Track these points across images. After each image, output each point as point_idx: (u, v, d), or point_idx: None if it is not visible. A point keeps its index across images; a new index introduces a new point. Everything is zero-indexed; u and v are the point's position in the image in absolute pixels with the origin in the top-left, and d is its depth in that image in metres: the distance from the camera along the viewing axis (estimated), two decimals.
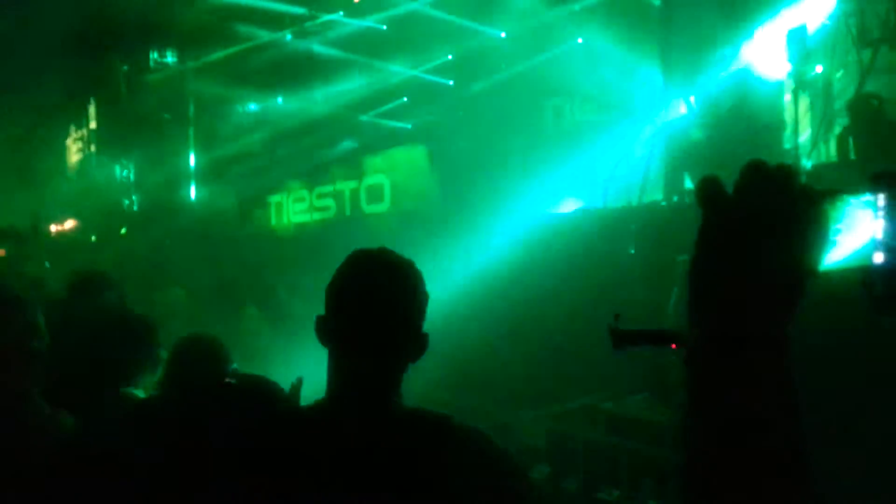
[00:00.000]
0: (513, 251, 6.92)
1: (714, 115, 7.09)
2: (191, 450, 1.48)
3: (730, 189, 0.64)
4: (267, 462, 1.33)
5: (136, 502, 1.53)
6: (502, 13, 11.11)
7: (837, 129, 6.84)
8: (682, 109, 7.39)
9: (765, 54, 7.13)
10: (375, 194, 10.32)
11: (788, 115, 7.08)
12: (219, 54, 12.97)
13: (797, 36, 6.90)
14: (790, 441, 0.61)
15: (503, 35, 11.46)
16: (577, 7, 10.28)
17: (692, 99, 7.33)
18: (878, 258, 0.65)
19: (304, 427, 1.39)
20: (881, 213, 0.65)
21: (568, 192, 8.52)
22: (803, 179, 0.65)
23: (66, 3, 12.87)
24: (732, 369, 0.62)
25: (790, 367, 0.62)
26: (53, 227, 12.52)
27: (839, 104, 7.05)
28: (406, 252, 1.49)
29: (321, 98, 13.30)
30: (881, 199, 0.66)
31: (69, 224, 13.09)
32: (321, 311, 1.46)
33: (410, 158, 9.99)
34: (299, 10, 12.30)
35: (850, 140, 6.34)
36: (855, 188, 0.66)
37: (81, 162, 15.49)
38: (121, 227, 12.95)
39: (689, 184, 7.11)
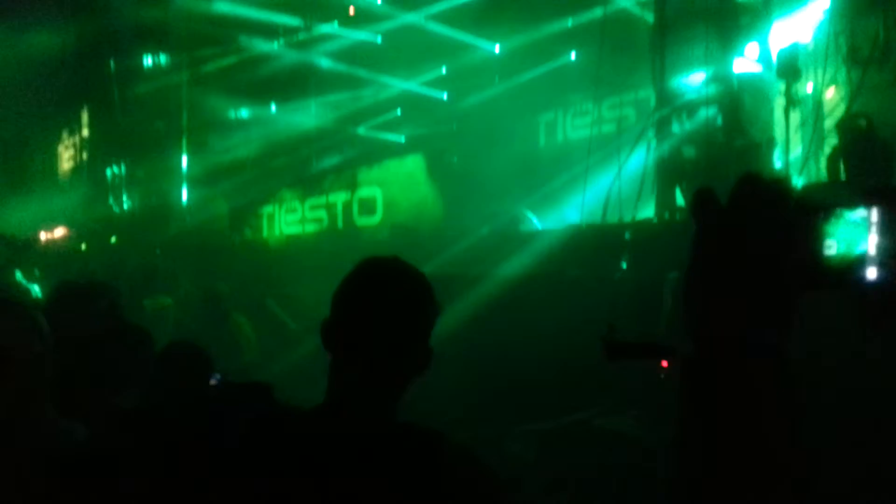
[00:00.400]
0: (505, 265, 6.92)
1: (705, 132, 7.14)
2: (193, 454, 1.48)
3: (723, 201, 0.64)
4: (256, 467, 1.32)
5: None
6: (496, 28, 11.19)
7: (828, 148, 6.89)
8: (674, 126, 7.43)
9: (756, 72, 7.20)
10: (368, 206, 10.33)
11: (779, 133, 7.14)
12: (214, 64, 12.99)
13: (787, 54, 6.97)
14: (790, 455, 0.61)
15: (497, 49, 11.54)
16: (569, 23, 10.37)
17: (683, 115, 7.38)
18: (871, 273, 0.65)
19: (295, 434, 1.38)
20: (874, 229, 0.66)
21: (560, 207, 8.54)
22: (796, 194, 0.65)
23: (59, 10, 12.87)
24: (731, 380, 0.61)
25: (790, 379, 0.61)
26: (43, 235, 12.44)
27: (830, 122, 7.11)
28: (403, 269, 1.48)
29: (315, 109, 13.32)
30: (874, 214, 0.66)
31: (59, 232, 13.01)
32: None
33: (405, 170, 10.00)
34: (294, 21, 12.34)
35: (840, 159, 6.39)
36: (848, 203, 0.67)
37: (73, 169, 15.44)
38: (111, 236, 12.89)
39: (680, 201, 7.14)
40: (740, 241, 0.63)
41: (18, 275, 7.00)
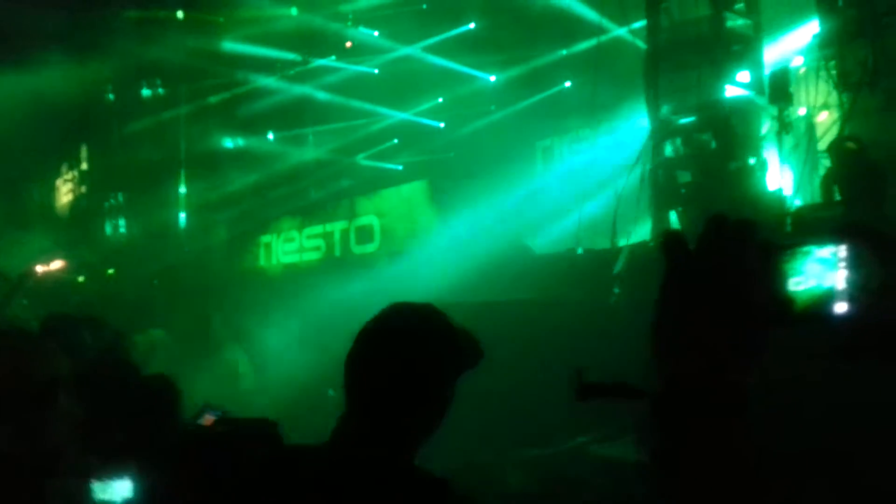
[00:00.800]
0: (500, 290, 6.93)
1: (700, 156, 7.20)
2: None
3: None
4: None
5: None
6: (492, 58, 11.33)
7: (822, 171, 6.93)
8: (668, 151, 7.49)
9: (748, 96, 7.27)
10: (365, 235, 10.35)
11: (773, 157, 7.19)
12: (212, 97, 13.11)
13: (779, 78, 7.05)
14: (753, 492, 0.61)
15: (493, 79, 11.66)
16: (564, 52, 10.49)
17: (678, 140, 7.43)
18: (841, 308, 0.66)
19: (300, 479, 1.38)
20: (843, 265, 0.66)
21: (557, 232, 8.57)
22: (787, 221, 0.66)
23: (60, 46, 13.01)
24: (698, 417, 0.62)
25: (754, 418, 0.62)
26: (40, 268, 12.44)
27: (823, 146, 7.17)
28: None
29: (313, 140, 13.42)
30: (843, 250, 0.67)
31: (57, 264, 13.01)
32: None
33: (402, 199, 10.03)
34: (293, 56, 12.49)
35: (833, 181, 6.43)
36: (816, 240, 0.67)
37: (72, 203, 15.48)
38: (109, 268, 12.89)
39: (676, 224, 7.16)
40: (708, 282, 0.64)
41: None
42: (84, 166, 14.98)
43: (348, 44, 12.39)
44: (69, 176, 15.53)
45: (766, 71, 7.28)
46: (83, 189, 15.05)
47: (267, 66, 12.65)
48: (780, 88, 6.95)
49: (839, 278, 0.66)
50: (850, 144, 6.20)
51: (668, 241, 0.66)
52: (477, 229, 8.65)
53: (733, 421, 0.62)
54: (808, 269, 0.67)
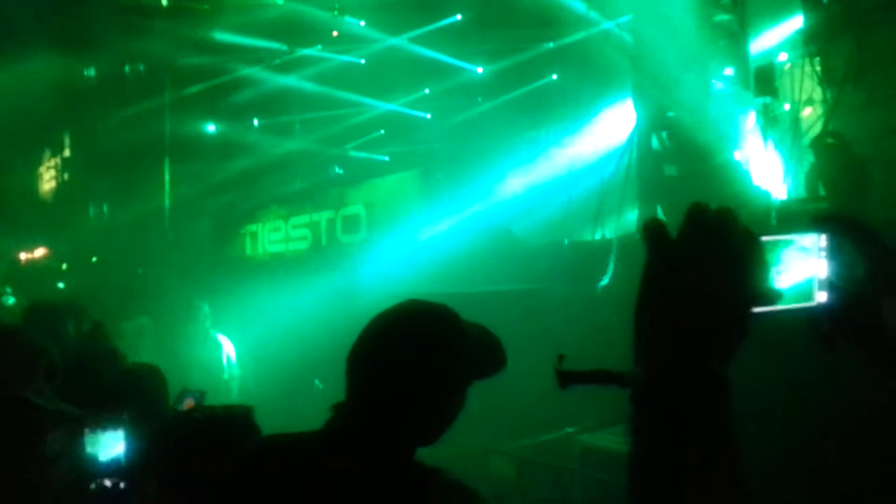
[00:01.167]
0: (488, 281, 6.95)
1: (686, 150, 7.23)
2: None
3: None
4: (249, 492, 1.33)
5: None
6: (479, 50, 11.31)
7: (806, 166, 6.99)
8: (654, 144, 7.51)
9: (734, 91, 7.31)
10: (352, 224, 10.32)
11: (758, 151, 7.24)
12: (197, 86, 13.00)
13: (764, 73, 7.09)
14: (731, 482, 0.62)
15: (479, 71, 11.65)
16: (551, 45, 10.49)
17: (664, 134, 7.46)
18: (822, 297, 0.68)
19: (289, 468, 1.38)
20: (823, 254, 0.68)
21: (542, 221, 8.59)
22: (772, 215, 0.68)
23: (42, 34, 12.84)
24: (674, 408, 0.63)
25: (730, 407, 0.63)
26: (23, 256, 12.32)
27: (807, 141, 7.22)
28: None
29: (298, 130, 13.35)
30: (823, 239, 0.68)
31: (40, 252, 12.89)
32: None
33: (393, 188, 10.00)
34: (278, 45, 12.40)
35: (817, 177, 6.49)
36: (797, 229, 0.69)
37: (54, 190, 15.32)
38: (92, 256, 12.79)
39: (662, 217, 7.19)
40: (688, 270, 0.65)
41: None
42: (67, 153, 14.83)
43: (335, 33, 12.32)
44: (52, 163, 15.37)
45: (752, 66, 7.32)
46: (66, 176, 14.91)
47: (252, 54, 12.55)
48: (765, 83, 7.00)
49: (820, 267, 0.68)
50: (834, 140, 6.26)
51: (649, 230, 0.67)
52: (464, 219, 8.66)
53: (714, 409, 0.64)
54: (789, 257, 0.68)
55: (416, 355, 1.39)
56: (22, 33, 12.00)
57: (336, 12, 11.78)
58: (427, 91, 12.19)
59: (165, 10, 12.80)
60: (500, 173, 9.69)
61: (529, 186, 9.33)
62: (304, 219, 10.84)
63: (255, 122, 13.39)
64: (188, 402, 2.79)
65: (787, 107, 7.65)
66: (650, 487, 0.64)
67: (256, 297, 9.21)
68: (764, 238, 0.67)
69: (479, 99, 11.57)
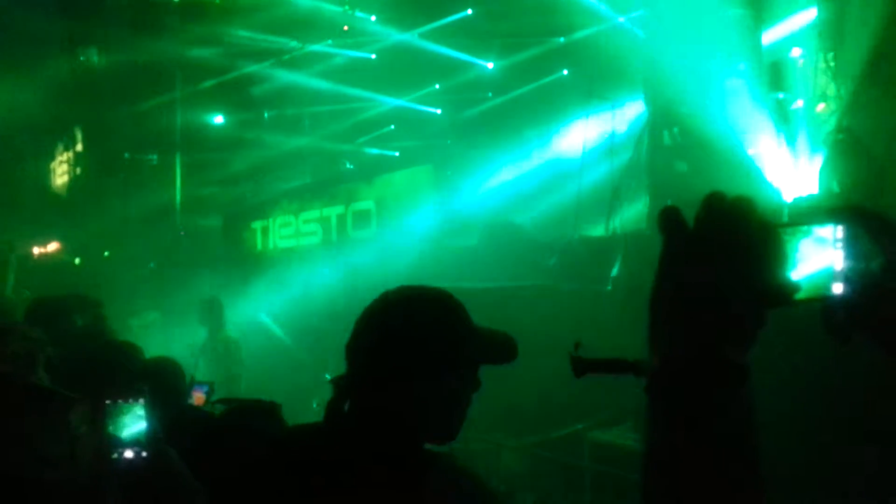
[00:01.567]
0: (497, 277, 6.94)
1: (697, 146, 7.19)
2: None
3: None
4: (270, 492, 1.33)
5: None
6: (490, 45, 11.29)
7: (820, 161, 6.93)
8: (666, 139, 7.48)
9: (747, 86, 7.26)
10: (363, 219, 10.33)
11: (771, 147, 7.19)
12: (207, 82, 13.05)
13: (778, 68, 7.04)
14: (750, 472, 0.62)
15: (490, 66, 11.64)
16: (562, 40, 10.45)
17: (675, 129, 7.43)
18: (837, 289, 0.67)
19: (302, 457, 1.38)
20: (840, 245, 0.67)
21: (553, 219, 8.57)
22: (785, 212, 0.67)
23: (55, 30, 12.92)
24: (693, 396, 0.62)
25: (751, 397, 0.62)
26: (36, 250, 12.41)
27: (821, 137, 7.16)
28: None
29: (309, 125, 13.37)
30: (840, 230, 0.67)
31: (53, 246, 12.98)
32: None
33: (404, 183, 10.01)
34: (289, 41, 12.42)
35: (831, 173, 6.44)
36: (814, 220, 0.68)
37: (67, 184, 15.42)
38: (105, 250, 12.87)
39: None
40: (705, 260, 0.64)
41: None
42: (79, 147, 14.92)
43: (345, 28, 12.33)
44: (64, 157, 15.47)
45: (765, 61, 7.26)
46: (78, 170, 15.00)
47: (264, 49, 12.58)
48: (778, 78, 6.94)
49: (837, 258, 0.67)
50: (848, 136, 6.21)
51: (665, 218, 0.67)
52: (474, 214, 8.65)
53: (729, 400, 0.63)
54: (806, 248, 0.67)
55: (410, 331, 1.38)
56: (33, 30, 12.08)
57: (347, 7, 11.79)
58: (437, 86, 12.19)
59: (177, 5, 12.85)
60: (509, 169, 9.68)
61: (539, 181, 9.30)
62: (314, 214, 10.87)
63: (266, 117, 13.43)
64: (197, 395, 2.80)
65: (800, 102, 7.58)
66: (665, 479, 0.63)
67: (267, 292, 9.25)
68: (781, 227, 0.66)
69: (490, 94, 11.55)
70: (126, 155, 13.46)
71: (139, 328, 5.18)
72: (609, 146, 8.34)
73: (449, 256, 7.83)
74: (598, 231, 7.73)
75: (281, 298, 8.88)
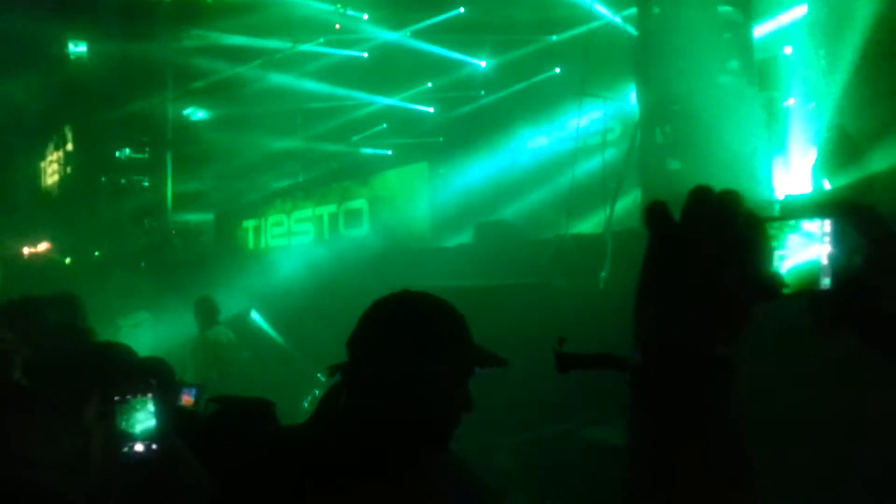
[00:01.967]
0: (488, 274, 6.94)
1: (689, 143, 7.19)
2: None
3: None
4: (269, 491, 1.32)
5: None
6: (482, 43, 11.29)
7: (812, 158, 6.95)
8: (658, 138, 7.48)
9: (738, 83, 7.27)
10: (355, 218, 10.32)
11: (762, 144, 7.20)
12: (198, 82, 13.01)
13: (769, 66, 7.05)
14: (735, 468, 0.61)
15: (483, 64, 11.64)
16: (554, 38, 10.46)
17: (667, 127, 7.43)
18: (825, 283, 0.66)
19: (297, 456, 1.38)
20: (827, 240, 0.66)
21: (544, 216, 8.58)
22: (776, 210, 0.67)
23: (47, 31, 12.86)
24: (678, 390, 0.62)
25: (737, 391, 0.62)
26: (26, 250, 12.35)
27: (812, 133, 7.18)
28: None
29: (301, 124, 13.35)
30: (827, 225, 0.67)
31: (43, 246, 12.92)
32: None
33: (396, 181, 10.00)
34: (281, 42, 12.40)
35: (822, 170, 6.46)
36: (801, 214, 0.68)
37: (58, 183, 15.36)
38: (95, 250, 12.82)
39: None
40: (690, 254, 0.64)
41: None
42: (70, 147, 14.87)
43: (337, 26, 12.31)
44: (55, 157, 15.41)
45: (756, 58, 7.28)
46: (69, 170, 14.95)
47: (255, 48, 12.55)
48: (769, 76, 6.96)
49: (824, 252, 0.66)
50: (839, 133, 6.23)
51: (651, 211, 0.66)
52: (466, 212, 8.65)
53: (715, 394, 0.62)
54: (793, 242, 0.67)
55: (405, 333, 1.40)
56: (23, 28, 12.02)
57: (339, 6, 11.77)
58: (430, 85, 12.18)
59: (169, 5, 12.81)
60: (502, 167, 9.68)
61: (531, 179, 9.31)
62: (306, 213, 10.85)
63: (258, 115, 13.40)
64: (185, 397, 2.78)
65: (791, 100, 7.60)
66: (649, 475, 0.62)
67: (258, 291, 9.22)
68: (768, 221, 0.66)
69: (483, 92, 11.56)
70: (117, 154, 13.41)
71: (129, 328, 5.15)
72: (601, 144, 8.34)
73: (441, 255, 7.83)
74: (590, 229, 7.75)
75: (273, 297, 8.86)
